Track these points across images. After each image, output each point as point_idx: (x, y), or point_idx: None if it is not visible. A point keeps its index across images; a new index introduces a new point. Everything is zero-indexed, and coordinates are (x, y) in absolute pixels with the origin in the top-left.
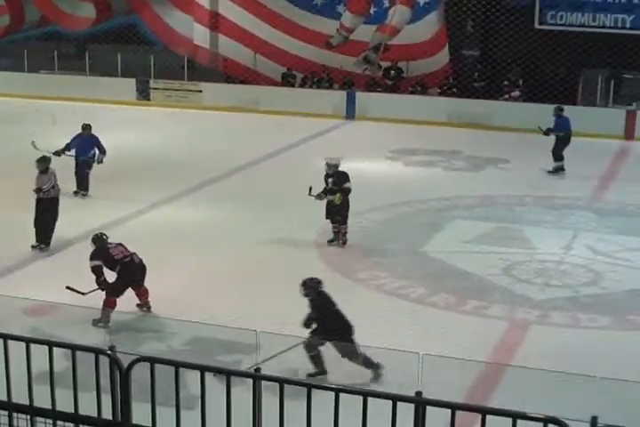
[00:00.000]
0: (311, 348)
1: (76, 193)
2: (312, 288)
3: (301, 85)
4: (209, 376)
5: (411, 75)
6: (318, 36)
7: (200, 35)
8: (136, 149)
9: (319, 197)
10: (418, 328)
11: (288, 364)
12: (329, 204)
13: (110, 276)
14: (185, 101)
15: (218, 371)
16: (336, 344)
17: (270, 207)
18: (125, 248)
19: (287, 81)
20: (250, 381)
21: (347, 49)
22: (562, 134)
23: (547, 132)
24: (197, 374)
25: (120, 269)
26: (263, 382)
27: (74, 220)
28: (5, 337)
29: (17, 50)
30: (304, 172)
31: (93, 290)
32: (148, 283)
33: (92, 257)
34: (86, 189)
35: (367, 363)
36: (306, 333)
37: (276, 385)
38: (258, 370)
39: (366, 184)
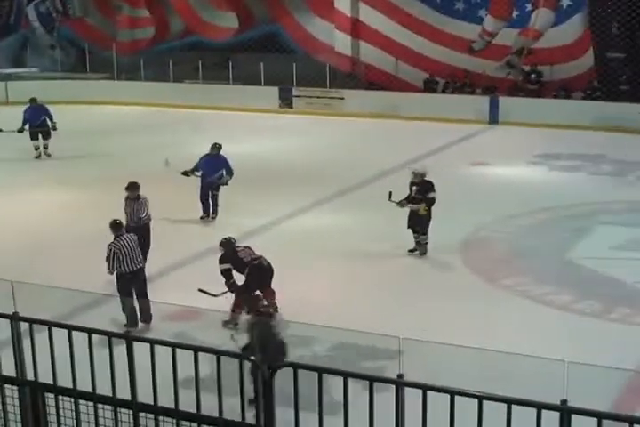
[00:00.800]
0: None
1: (202, 218)
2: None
3: (443, 91)
4: (352, 382)
5: (554, 78)
6: (460, 41)
7: (341, 42)
8: (278, 156)
9: (400, 204)
10: (563, 335)
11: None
12: (412, 213)
13: (239, 278)
14: (327, 109)
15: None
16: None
17: None
18: (253, 251)
19: (429, 87)
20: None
21: (489, 53)
22: None
23: None
24: (340, 379)
25: (248, 271)
26: (406, 389)
27: (214, 232)
28: (152, 342)
29: (161, 60)
30: (447, 178)
31: (224, 292)
32: (287, 288)
33: (221, 260)
34: (207, 212)
35: None
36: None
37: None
38: (401, 376)
39: (510, 189)
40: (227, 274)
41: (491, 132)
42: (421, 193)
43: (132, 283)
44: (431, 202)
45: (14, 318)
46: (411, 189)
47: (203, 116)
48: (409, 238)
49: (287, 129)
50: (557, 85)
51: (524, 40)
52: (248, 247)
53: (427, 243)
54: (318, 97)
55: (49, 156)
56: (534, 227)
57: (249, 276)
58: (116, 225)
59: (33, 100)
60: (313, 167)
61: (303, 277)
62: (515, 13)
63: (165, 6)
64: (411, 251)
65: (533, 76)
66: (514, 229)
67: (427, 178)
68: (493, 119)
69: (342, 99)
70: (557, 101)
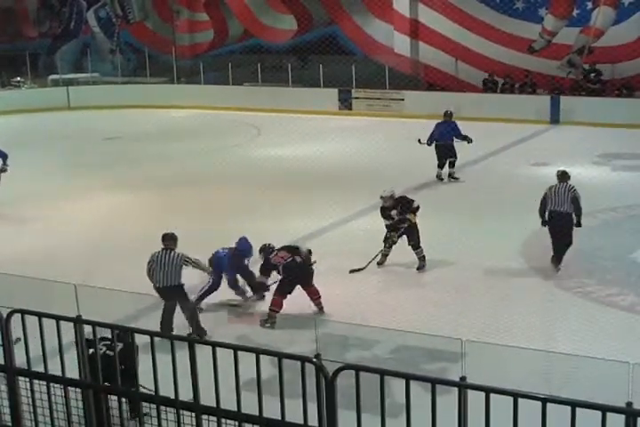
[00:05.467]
0: None
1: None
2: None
3: (503, 91)
4: (414, 384)
5: (616, 77)
6: (520, 41)
7: (400, 43)
8: (338, 158)
9: (392, 241)
10: (628, 337)
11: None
12: (407, 230)
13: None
14: (387, 110)
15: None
16: None
17: (473, 216)
18: (287, 253)
19: (488, 87)
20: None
21: (549, 53)
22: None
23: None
24: (402, 382)
25: (282, 269)
26: (469, 391)
27: (278, 235)
28: (214, 345)
29: (221, 63)
30: (508, 178)
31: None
32: (347, 290)
33: (260, 271)
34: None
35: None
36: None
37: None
38: (463, 379)
39: None
40: (261, 286)
41: (552, 131)
42: (404, 213)
43: (164, 298)
44: (417, 210)
45: (78, 321)
46: (388, 216)
47: (262, 118)
48: (467, 240)
49: (347, 131)
50: (619, 84)
51: (586, 38)
52: (284, 249)
53: (424, 256)
54: (378, 98)
55: None
56: (597, 227)
57: (283, 274)
58: (164, 236)
59: None
60: (373, 169)
61: (362, 278)
62: (575, 12)
63: (224, 10)
64: (378, 263)
65: (593, 75)
66: (577, 230)
67: (396, 197)
68: (555, 119)
69: (402, 100)
70: (619, 100)
